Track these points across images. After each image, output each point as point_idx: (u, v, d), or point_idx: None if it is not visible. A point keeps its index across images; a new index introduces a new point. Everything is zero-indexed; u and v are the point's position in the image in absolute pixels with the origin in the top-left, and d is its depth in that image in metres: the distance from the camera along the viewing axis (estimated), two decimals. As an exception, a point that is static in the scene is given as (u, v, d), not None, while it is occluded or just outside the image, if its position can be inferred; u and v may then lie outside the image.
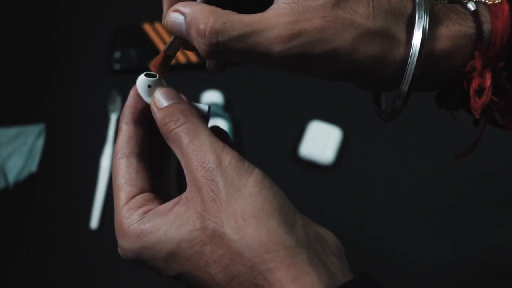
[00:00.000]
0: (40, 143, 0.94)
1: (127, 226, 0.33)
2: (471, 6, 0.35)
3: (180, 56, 1.00)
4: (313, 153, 0.89)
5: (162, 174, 0.39)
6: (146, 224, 0.33)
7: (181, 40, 0.36)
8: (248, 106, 0.98)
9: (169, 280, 0.35)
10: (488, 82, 0.34)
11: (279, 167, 0.89)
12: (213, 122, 0.90)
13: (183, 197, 0.33)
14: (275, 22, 0.32)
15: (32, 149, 0.93)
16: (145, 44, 1.03)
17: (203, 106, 0.37)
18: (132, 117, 0.37)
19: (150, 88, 0.36)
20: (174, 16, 0.34)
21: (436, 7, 0.34)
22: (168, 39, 0.37)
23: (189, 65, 1.00)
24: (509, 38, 0.34)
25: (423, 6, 0.33)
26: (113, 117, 0.95)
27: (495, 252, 0.81)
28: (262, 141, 0.93)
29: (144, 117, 0.37)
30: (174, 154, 0.35)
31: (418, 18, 0.33)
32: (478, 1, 0.36)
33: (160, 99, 0.36)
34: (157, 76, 0.36)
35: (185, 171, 0.33)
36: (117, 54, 1.02)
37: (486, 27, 0.34)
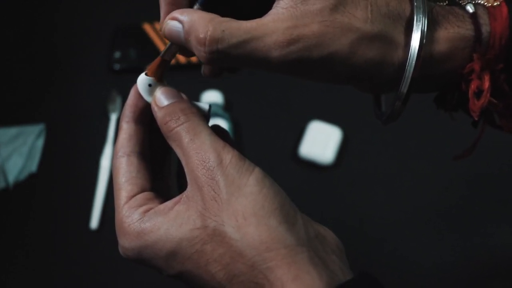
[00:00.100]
0: (40, 143, 0.94)
1: (127, 225, 0.34)
2: (470, 8, 0.35)
3: (180, 57, 1.00)
4: (313, 153, 0.89)
5: (163, 173, 0.39)
6: (147, 223, 0.33)
7: (177, 46, 0.36)
8: (248, 106, 0.98)
9: (169, 279, 0.35)
10: (487, 84, 0.34)
11: (279, 167, 0.89)
12: (213, 122, 0.89)
13: (184, 196, 0.33)
14: (273, 28, 0.32)
15: (32, 149, 0.93)
16: (145, 44, 1.03)
17: (204, 105, 0.37)
18: (132, 116, 0.37)
19: (151, 87, 0.36)
20: (172, 24, 0.34)
21: (434, 9, 0.35)
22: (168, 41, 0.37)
23: (189, 65, 1.00)
24: (508, 40, 0.34)
25: (422, 9, 0.33)
26: (113, 117, 0.95)
27: (494, 253, 0.81)
28: (262, 141, 0.93)
29: (145, 116, 0.38)
30: (174, 153, 0.35)
31: (417, 21, 0.33)
32: (477, 3, 0.36)
33: (161, 98, 0.36)
34: None
35: (186, 170, 0.33)
36: (117, 54, 1.03)
37: (485, 29, 0.34)
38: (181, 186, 0.37)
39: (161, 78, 0.37)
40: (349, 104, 0.92)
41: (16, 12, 1.11)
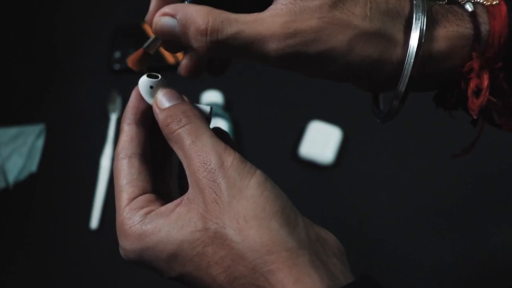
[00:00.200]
0: (40, 143, 0.94)
1: (128, 227, 0.34)
2: (469, 7, 0.35)
3: (180, 56, 1.00)
4: (313, 153, 0.89)
5: (164, 175, 0.39)
6: (148, 225, 0.33)
7: (161, 40, 0.37)
8: (248, 106, 0.98)
9: (170, 280, 0.35)
10: (486, 83, 0.34)
11: (279, 167, 0.89)
12: (213, 122, 0.89)
13: (185, 198, 0.33)
14: (271, 21, 0.32)
15: (32, 149, 0.93)
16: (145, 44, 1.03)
17: (205, 107, 0.38)
18: (134, 118, 0.37)
19: (152, 89, 0.36)
20: (164, 20, 0.34)
21: (433, 8, 0.35)
22: None
23: (189, 65, 1.00)
24: (507, 39, 0.34)
25: (421, 7, 0.33)
26: (113, 117, 0.95)
27: (494, 253, 0.81)
28: (262, 141, 0.93)
29: (146, 118, 0.38)
30: (176, 155, 0.35)
31: (416, 19, 0.33)
32: (476, 2, 0.36)
33: (162, 100, 0.36)
34: (159, 77, 0.37)
35: (187, 172, 0.33)
36: (117, 54, 1.02)
37: (484, 28, 0.34)
38: (182, 188, 0.37)
39: (140, 69, 0.37)
40: (349, 104, 0.92)
41: (16, 12, 1.11)
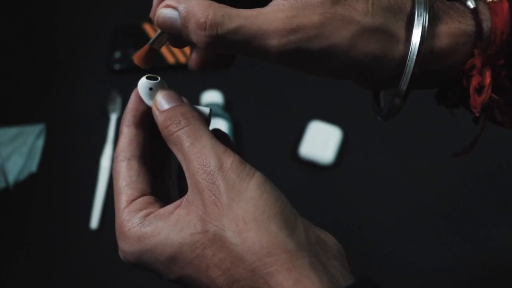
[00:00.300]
0: (40, 143, 0.94)
1: (128, 229, 0.33)
2: (471, 3, 0.35)
3: (180, 56, 1.00)
4: (313, 153, 0.89)
5: (163, 177, 0.39)
6: (147, 227, 0.33)
7: (167, 35, 0.36)
8: (248, 106, 0.98)
9: (170, 282, 0.35)
10: (488, 80, 0.34)
11: (279, 167, 0.89)
12: (213, 122, 0.89)
13: (184, 200, 0.33)
14: (273, 17, 0.32)
15: (32, 149, 0.93)
16: (145, 44, 1.03)
17: (204, 109, 0.37)
18: (133, 120, 0.37)
19: (152, 90, 0.36)
20: (166, 12, 0.34)
21: (435, 4, 0.34)
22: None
23: (189, 65, 1.00)
24: (509, 36, 0.34)
25: (423, 4, 0.33)
26: (113, 117, 0.95)
27: (494, 254, 0.81)
28: (262, 141, 0.93)
29: (145, 119, 0.37)
30: (175, 157, 0.35)
31: (418, 16, 0.33)
32: (478, -2, 0.36)
33: (162, 102, 0.36)
34: (159, 78, 0.37)
35: (186, 174, 0.33)
36: (117, 54, 1.02)
37: (486, 25, 0.34)
38: (182, 190, 0.37)
39: (147, 66, 0.37)
40: (349, 104, 0.92)
41: (16, 12, 1.11)
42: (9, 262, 0.84)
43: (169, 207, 0.34)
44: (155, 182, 0.37)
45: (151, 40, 0.36)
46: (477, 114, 0.36)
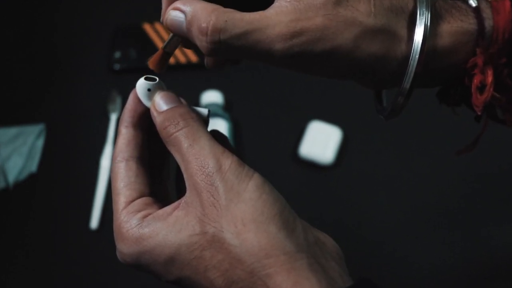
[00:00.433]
0: (40, 143, 0.94)
1: (126, 230, 0.33)
2: (473, 2, 0.35)
3: (180, 56, 1.00)
4: (313, 153, 0.89)
5: (162, 178, 0.39)
6: (145, 229, 0.33)
7: (179, 38, 0.36)
8: (248, 106, 0.98)
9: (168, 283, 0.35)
10: (490, 78, 0.34)
11: (279, 167, 0.89)
12: (213, 122, 0.89)
13: (183, 201, 0.33)
14: (277, 20, 0.32)
15: (32, 149, 0.93)
16: (145, 44, 1.03)
17: (203, 110, 0.37)
18: (131, 120, 0.37)
19: (150, 91, 0.36)
20: (174, 14, 0.34)
21: (437, 3, 0.34)
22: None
23: (189, 65, 1.00)
24: (511, 35, 0.34)
25: (425, 3, 0.33)
26: (113, 117, 0.95)
27: (494, 253, 0.81)
28: (262, 141, 0.93)
29: (144, 120, 0.37)
30: (173, 158, 0.35)
31: (420, 15, 0.33)
32: (480, -3, 0.36)
33: (160, 103, 0.36)
34: (157, 79, 0.36)
35: (185, 175, 0.33)
36: (117, 54, 1.02)
37: (488, 23, 0.34)
38: (180, 191, 0.37)
39: (162, 71, 0.37)
40: (349, 104, 0.92)
41: (16, 12, 1.11)
42: (9, 262, 0.84)
43: (168, 208, 0.33)
44: (153, 183, 0.37)
45: (164, 44, 0.36)
46: (479, 113, 0.36)
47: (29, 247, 0.85)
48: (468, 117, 0.39)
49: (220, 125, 0.88)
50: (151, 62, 0.37)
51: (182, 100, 0.37)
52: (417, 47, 0.33)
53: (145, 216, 0.33)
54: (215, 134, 0.37)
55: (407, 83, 0.34)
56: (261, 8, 0.33)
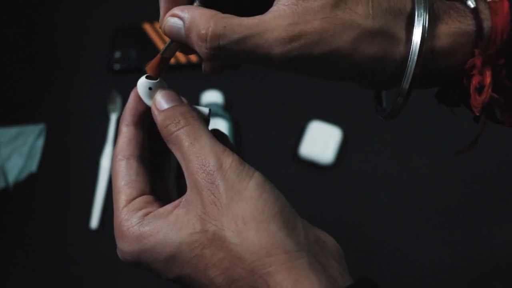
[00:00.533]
0: (40, 143, 0.94)
1: (126, 228, 0.33)
2: (471, 3, 0.35)
3: (180, 56, 1.00)
4: (313, 153, 0.89)
5: (162, 176, 0.39)
6: (146, 227, 0.33)
7: (178, 44, 0.36)
8: (248, 106, 0.98)
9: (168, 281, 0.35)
10: (488, 79, 0.34)
11: (279, 167, 0.89)
12: (213, 122, 0.89)
13: (183, 200, 0.33)
14: (275, 25, 0.32)
15: (32, 149, 0.93)
16: (145, 44, 1.03)
17: (204, 109, 0.37)
18: (132, 119, 0.37)
19: (151, 90, 0.36)
20: (172, 21, 0.34)
21: (435, 4, 0.34)
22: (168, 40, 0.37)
23: (189, 65, 1.00)
24: (509, 35, 0.34)
25: (423, 4, 0.33)
26: (113, 117, 0.95)
27: (495, 252, 0.81)
28: (262, 141, 0.93)
29: (145, 119, 0.37)
30: (174, 157, 0.35)
31: (418, 16, 0.33)
32: (478, -2, 0.36)
33: (161, 102, 0.36)
34: (158, 78, 0.36)
35: (186, 174, 0.33)
36: (117, 54, 1.02)
37: (486, 24, 0.34)
38: (181, 189, 0.37)
39: (160, 76, 0.37)
40: (349, 104, 0.92)
41: (16, 12, 1.11)
42: (9, 262, 0.84)
43: (168, 207, 0.34)
44: (154, 181, 0.37)
45: (162, 49, 0.36)
46: (478, 114, 0.36)
47: (29, 247, 0.85)
48: (467, 118, 0.39)
49: (220, 125, 0.88)
50: (149, 68, 0.37)
51: (183, 98, 0.37)
52: (416, 48, 0.33)
53: (146, 214, 0.34)
54: (216, 133, 0.37)
55: (406, 84, 0.34)
56: (259, 13, 0.33)
